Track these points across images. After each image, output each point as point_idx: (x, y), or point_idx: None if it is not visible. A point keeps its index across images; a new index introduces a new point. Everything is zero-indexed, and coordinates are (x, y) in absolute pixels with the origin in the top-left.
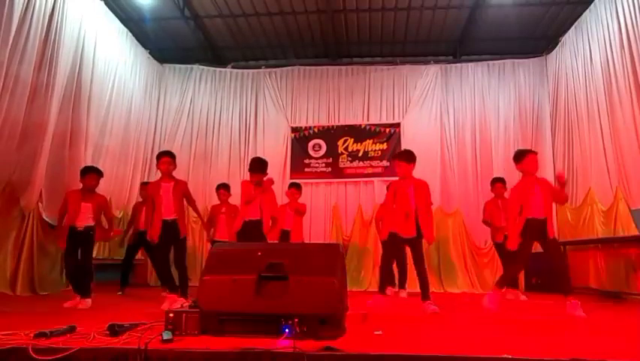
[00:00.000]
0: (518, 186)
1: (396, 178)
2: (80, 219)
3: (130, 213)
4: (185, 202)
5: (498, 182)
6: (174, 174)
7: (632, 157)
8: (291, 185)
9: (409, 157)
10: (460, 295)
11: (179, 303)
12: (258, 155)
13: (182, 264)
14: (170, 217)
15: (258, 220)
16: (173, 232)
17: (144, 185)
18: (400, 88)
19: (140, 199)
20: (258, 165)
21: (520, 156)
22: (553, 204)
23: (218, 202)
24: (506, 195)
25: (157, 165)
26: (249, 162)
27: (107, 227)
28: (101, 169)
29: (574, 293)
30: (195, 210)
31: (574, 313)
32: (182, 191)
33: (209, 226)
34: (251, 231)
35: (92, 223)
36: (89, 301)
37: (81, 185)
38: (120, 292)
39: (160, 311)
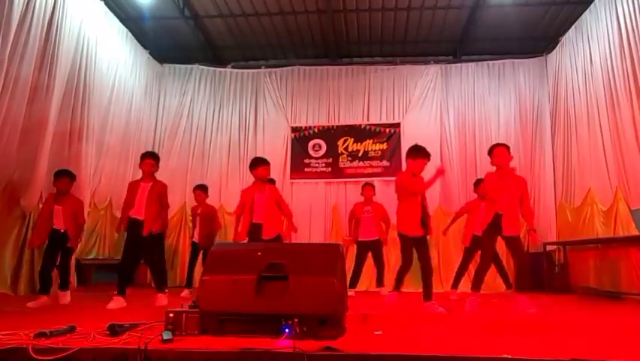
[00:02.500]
0: (492, 176)
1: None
2: (55, 222)
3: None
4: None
5: (482, 182)
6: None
7: (632, 157)
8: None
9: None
10: (460, 295)
11: (163, 302)
12: (257, 155)
13: (152, 262)
14: (140, 217)
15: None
16: (138, 231)
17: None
18: (399, 88)
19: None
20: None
21: (489, 151)
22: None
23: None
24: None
25: (140, 164)
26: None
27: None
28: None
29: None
30: (164, 212)
31: (524, 309)
32: (158, 193)
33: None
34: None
35: (64, 227)
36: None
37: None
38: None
39: (160, 311)
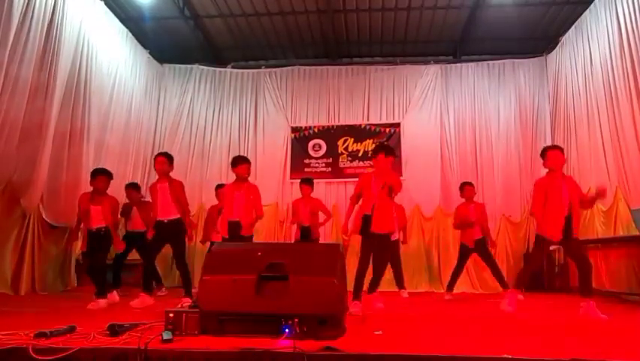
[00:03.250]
0: (543, 180)
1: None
2: (92, 221)
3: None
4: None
5: (467, 185)
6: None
7: (632, 157)
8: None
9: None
10: (460, 295)
11: (147, 303)
12: (257, 155)
13: (183, 263)
14: (165, 218)
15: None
16: (167, 233)
17: (129, 188)
18: (400, 88)
19: (127, 201)
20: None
21: (542, 154)
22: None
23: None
24: (475, 198)
25: (154, 165)
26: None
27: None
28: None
29: (572, 293)
30: (183, 210)
31: (596, 316)
32: (175, 190)
33: (206, 226)
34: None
35: (103, 225)
36: (101, 301)
37: (91, 188)
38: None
39: (160, 311)
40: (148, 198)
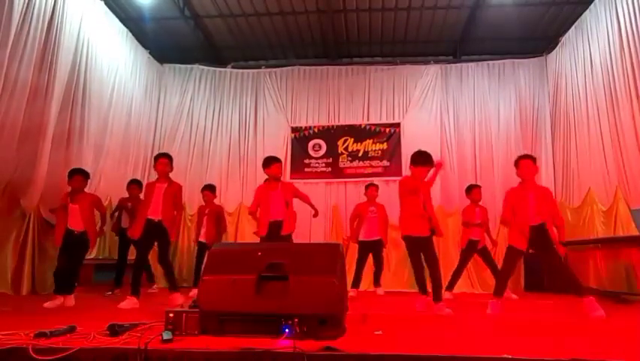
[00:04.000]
0: (513, 190)
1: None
2: (70, 220)
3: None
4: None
5: (476, 187)
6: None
7: (632, 157)
8: None
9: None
10: (460, 295)
11: (134, 305)
12: (257, 155)
13: (166, 261)
14: (155, 218)
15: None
16: (156, 232)
17: (133, 183)
18: (400, 88)
19: (127, 195)
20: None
21: (515, 162)
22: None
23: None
24: (481, 202)
25: (154, 165)
26: (248, 161)
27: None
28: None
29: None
30: (178, 215)
31: (592, 313)
32: (173, 193)
33: (197, 227)
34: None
35: (81, 228)
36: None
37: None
38: (110, 293)
39: (160, 311)
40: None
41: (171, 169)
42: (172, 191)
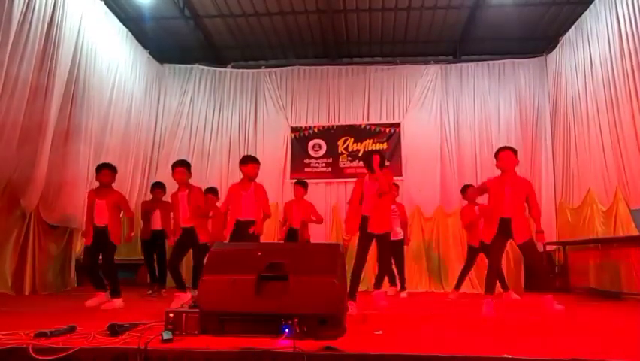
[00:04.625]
0: (490, 180)
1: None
2: (96, 216)
3: (139, 211)
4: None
5: (469, 187)
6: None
7: (632, 157)
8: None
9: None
10: (460, 296)
11: (185, 300)
12: (257, 155)
13: (201, 262)
14: (187, 225)
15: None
16: (189, 238)
17: (157, 186)
18: (399, 88)
19: (150, 197)
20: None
21: (495, 154)
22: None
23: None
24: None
25: (172, 174)
26: None
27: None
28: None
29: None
30: (203, 215)
31: (551, 308)
32: (194, 198)
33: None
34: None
35: (107, 222)
36: (117, 301)
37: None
38: (150, 292)
39: (161, 311)
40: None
41: (190, 175)
42: (194, 196)
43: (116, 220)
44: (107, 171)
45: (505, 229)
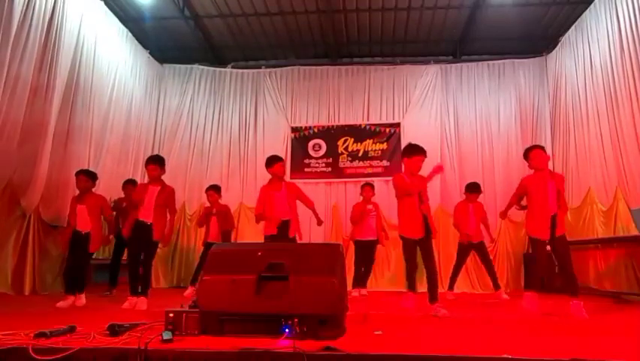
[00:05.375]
0: (529, 178)
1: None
2: (78, 222)
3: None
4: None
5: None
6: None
7: (632, 157)
8: None
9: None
10: (460, 295)
11: (138, 304)
12: (257, 155)
13: (148, 265)
14: (147, 220)
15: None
16: (147, 234)
17: (129, 183)
18: (399, 88)
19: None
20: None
21: (525, 154)
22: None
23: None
24: (479, 199)
25: (146, 170)
26: (248, 161)
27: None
28: (97, 168)
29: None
30: (172, 217)
31: (578, 314)
32: (164, 197)
33: (206, 228)
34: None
35: (89, 228)
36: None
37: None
38: (108, 293)
39: (160, 311)
40: None
41: (164, 172)
42: (164, 194)
43: (98, 226)
44: (83, 176)
45: (551, 225)
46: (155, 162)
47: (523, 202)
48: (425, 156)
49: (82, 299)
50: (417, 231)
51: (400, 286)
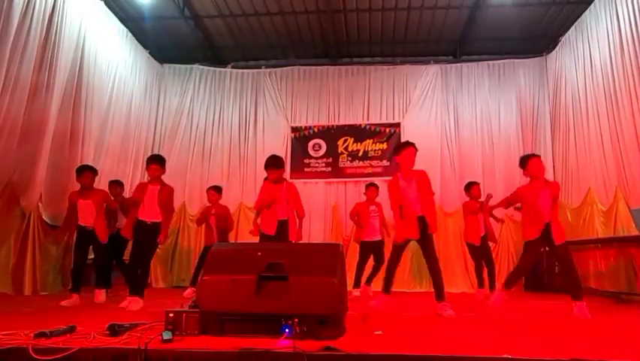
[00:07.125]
0: (525, 188)
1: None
2: (81, 217)
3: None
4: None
5: (474, 185)
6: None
7: (632, 157)
8: None
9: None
10: (460, 295)
11: (132, 304)
12: (257, 155)
13: (147, 264)
14: (147, 219)
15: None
16: (147, 234)
17: (115, 184)
18: (399, 88)
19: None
20: (272, 161)
21: (523, 162)
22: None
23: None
24: (481, 198)
25: (146, 169)
26: (248, 161)
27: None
28: (96, 168)
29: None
30: (165, 218)
31: (582, 315)
32: (164, 197)
33: (206, 228)
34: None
35: (93, 222)
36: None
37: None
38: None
39: (160, 311)
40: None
41: (164, 171)
42: (164, 194)
43: (102, 219)
44: (89, 173)
45: (545, 234)
46: (158, 162)
47: (518, 205)
48: (415, 149)
49: (102, 295)
50: (411, 232)
51: (400, 285)
